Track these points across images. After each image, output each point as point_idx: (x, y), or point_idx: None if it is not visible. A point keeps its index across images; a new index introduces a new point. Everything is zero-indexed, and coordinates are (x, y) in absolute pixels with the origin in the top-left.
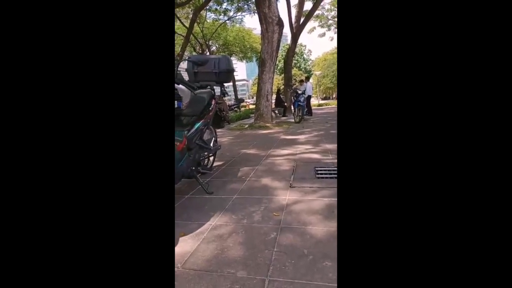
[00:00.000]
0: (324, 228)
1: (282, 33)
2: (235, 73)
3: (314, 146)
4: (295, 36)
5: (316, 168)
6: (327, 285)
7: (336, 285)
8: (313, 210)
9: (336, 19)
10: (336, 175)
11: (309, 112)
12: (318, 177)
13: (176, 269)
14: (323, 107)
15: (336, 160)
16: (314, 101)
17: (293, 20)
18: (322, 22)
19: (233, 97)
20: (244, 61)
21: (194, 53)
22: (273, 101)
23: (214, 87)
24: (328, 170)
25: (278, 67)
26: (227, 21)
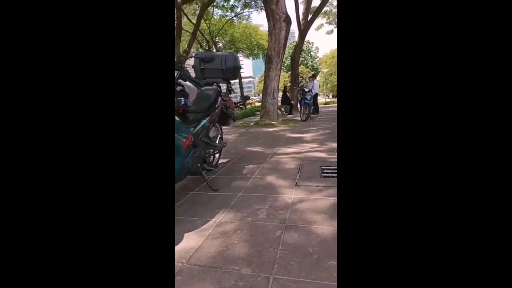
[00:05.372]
0: (330, 228)
1: (289, 30)
2: (241, 70)
3: (320, 145)
4: (303, 33)
5: (322, 167)
6: (332, 284)
7: None
8: (318, 209)
9: None
10: None
11: (316, 110)
12: (324, 176)
13: (180, 264)
14: (330, 105)
15: None
16: (321, 99)
17: (301, 17)
18: (330, 19)
19: (239, 94)
20: (251, 58)
21: (200, 50)
22: (280, 98)
23: (220, 84)
24: (334, 169)
25: (285, 64)
26: (234, 18)
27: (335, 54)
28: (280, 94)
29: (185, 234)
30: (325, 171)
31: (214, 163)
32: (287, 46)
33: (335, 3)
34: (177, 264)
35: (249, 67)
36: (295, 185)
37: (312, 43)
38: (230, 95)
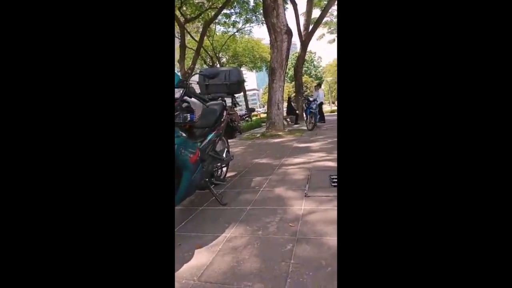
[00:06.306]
0: None
1: (291, 41)
2: (245, 83)
3: (328, 154)
4: (304, 43)
5: (332, 176)
6: None
7: None
8: (329, 220)
9: None
10: None
11: (322, 119)
12: (334, 186)
13: (192, 282)
14: (335, 113)
15: None
16: (327, 108)
17: (302, 28)
18: (331, 28)
19: (244, 107)
20: (254, 70)
21: (204, 66)
22: (285, 109)
23: (225, 98)
24: None
25: (288, 75)
26: (236, 33)
27: None
28: (285, 104)
29: (196, 251)
30: (334, 180)
31: (222, 177)
32: (289, 57)
33: (335, 13)
34: (188, 282)
35: (253, 80)
36: (305, 196)
37: (315, 52)
38: (235, 109)
